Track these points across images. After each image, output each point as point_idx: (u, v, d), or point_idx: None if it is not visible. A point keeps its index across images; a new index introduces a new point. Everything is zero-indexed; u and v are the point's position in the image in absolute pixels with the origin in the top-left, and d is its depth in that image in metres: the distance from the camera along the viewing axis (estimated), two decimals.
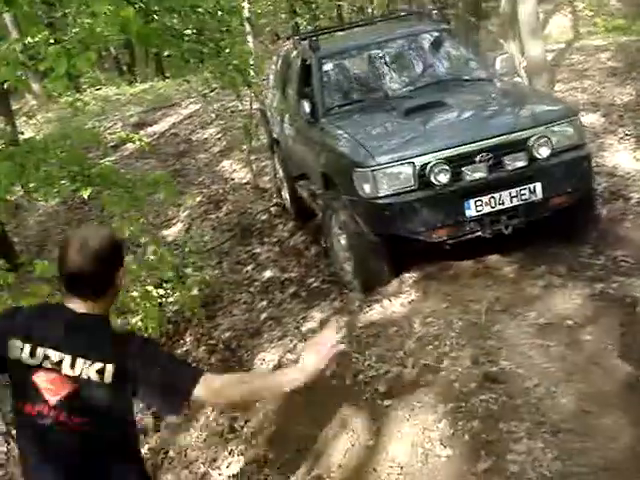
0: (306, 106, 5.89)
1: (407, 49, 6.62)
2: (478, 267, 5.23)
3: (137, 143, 9.28)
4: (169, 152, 11.86)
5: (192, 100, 14.26)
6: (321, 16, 18.31)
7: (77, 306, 2.32)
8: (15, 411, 2.39)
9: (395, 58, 6.51)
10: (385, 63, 6.46)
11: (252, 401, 3.11)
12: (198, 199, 9.36)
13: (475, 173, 4.96)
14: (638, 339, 4.04)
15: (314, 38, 6.73)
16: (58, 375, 2.26)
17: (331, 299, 5.68)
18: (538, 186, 4.99)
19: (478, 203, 4.94)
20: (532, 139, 4.99)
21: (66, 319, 2.33)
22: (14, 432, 2.65)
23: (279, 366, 4.88)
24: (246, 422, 4.48)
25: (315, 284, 6.18)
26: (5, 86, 5.77)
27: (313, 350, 2.41)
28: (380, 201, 4.97)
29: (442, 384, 3.91)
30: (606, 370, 3.83)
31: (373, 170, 4.94)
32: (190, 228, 8.41)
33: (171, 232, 8.55)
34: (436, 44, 6.60)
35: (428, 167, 4.89)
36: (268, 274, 6.77)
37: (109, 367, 2.25)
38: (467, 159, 4.95)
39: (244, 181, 9.62)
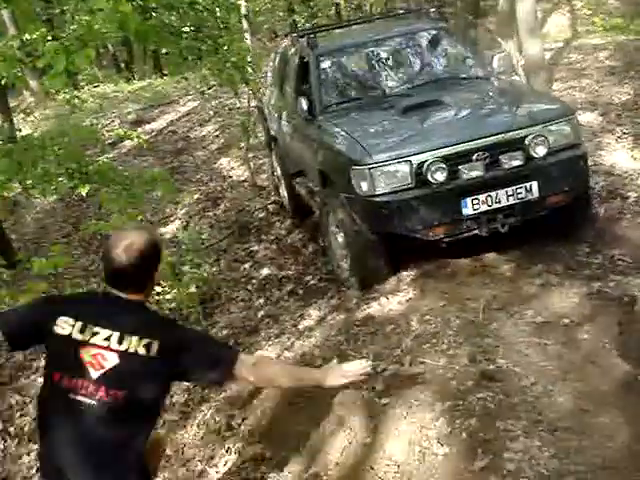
0: (304, 103, 5.89)
1: (405, 47, 6.62)
2: (475, 265, 5.24)
3: (135, 140, 9.33)
4: (167, 149, 11.84)
5: (190, 97, 14.27)
6: (319, 14, 18.29)
7: (121, 295, 2.59)
8: (47, 382, 2.60)
9: (393, 56, 6.51)
10: (383, 61, 6.46)
11: (295, 386, 3.40)
12: (196, 196, 9.37)
13: (472, 172, 4.97)
14: (635, 338, 4.05)
15: (312, 35, 6.73)
16: (104, 350, 2.49)
17: (328, 297, 5.68)
18: (534, 185, 5.00)
19: (475, 201, 4.95)
20: (529, 138, 5.00)
21: (113, 303, 2.61)
22: (11, 429, 2.76)
23: None
24: (243, 420, 4.47)
25: (312, 282, 6.19)
26: (3, 83, 5.75)
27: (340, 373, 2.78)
28: (377, 199, 4.97)
29: (439, 382, 3.91)
30: (603, 369, 3.84)
31: (370, 168, 4.94)
32: (188, 225, 8.41)
33: (169, 229, 8.54)
34: (434, 42, 6.60)
35: (425, 165, 4.90)
36: (265, 272, 6.78)
37: (155, 343, 2.51)
38: (464, 158, 4.96)
39: (242, 179, 9.61)
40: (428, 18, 7.31)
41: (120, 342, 2.50)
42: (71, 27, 5.74)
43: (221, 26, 7.59)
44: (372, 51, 6.53)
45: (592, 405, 3.55)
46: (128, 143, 11.76)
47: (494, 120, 5.39)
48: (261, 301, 6.20)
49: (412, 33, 6.74)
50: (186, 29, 6.39)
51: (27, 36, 5.95)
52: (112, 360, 2.48)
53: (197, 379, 3.14)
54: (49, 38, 5.01)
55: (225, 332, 5.85)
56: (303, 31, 8.02)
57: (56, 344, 2.55)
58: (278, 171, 7.98)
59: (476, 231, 5.04)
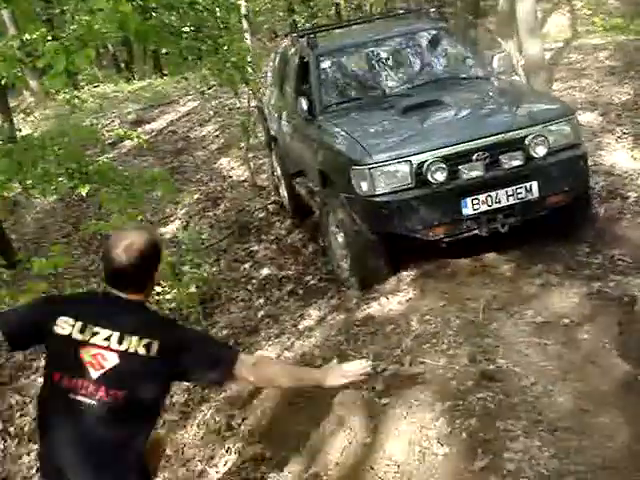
0: (304, 103, 5.89)
1: (405, 47, 6.62)
2: (475, 265, 5.24)
3: (135, 140, 9.33)
4: (167, 149, 11.84)
5: (190, 97, 14.27)
6: (319, 14, 18.28)
7: (121, 295, 2.60)
8: (47, 382, 2.60)
9: (393, 56, 6.51)
10: (383, 61, 6.46)
11: (295, 386, 3.40)
12: (196, 196, 9.37)
13: (472, 172, 4.97)
14: (635, 338, 4.05)
15: (312, 35, 6.73)
16: (104, 350, 2.50)
17: (328, 297, 5.68)
18: (534, 185, 5.00)
19: (475, 201, 4.95)
20: (529, 138, 5.00)
21: (113, 303, 2.61)
22: (11, 429, 2.76)
23: None
24: (243, 420, 4.47)
25: (312, 282, 6.19)
26: (3, 83, 5.75)
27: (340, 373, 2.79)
28: (377, 199, 4.97)
29: (439, 382, 3.91)
30: (603, 369, 3.84)
31: (370, 168, 4.94)
32: (188, 225, 8.41)
33: (169, 229, 8.54)
34: (434, 42, 6.60)
35: (425, 165, 4.90)
36: (265, 272, 6.78)
37: (155, 343, 2.51)
38: (464, 158, 4.96)
39: (242, 179, 9.61)
40: (428, 18, 7.31)
41: (120, 342, 2.51)
42: (71, 27, 5.74)
43: (221, 26, 7.59)
44: (372, 51, 6.53)
45: (592, 405, 3.55)
46: (128, 143, 11.76)
47: (494, 120, 5.39)
48: (261, 301, 6.20)
49: (412, 33, 6.74)
50: (186, 29, 6.39)
51: (27, 36, 5.94)
52: (112, 360, 2.49)
53: (197, 379, 3.15)
54: (49, 38, 5.01)
55: (225, 332, 5.85)
56: (303, 31, 8.02)
57: (56, 344, 2.55)
58: (278, 171, 7.98)
59: (476, 231, 5.04)
